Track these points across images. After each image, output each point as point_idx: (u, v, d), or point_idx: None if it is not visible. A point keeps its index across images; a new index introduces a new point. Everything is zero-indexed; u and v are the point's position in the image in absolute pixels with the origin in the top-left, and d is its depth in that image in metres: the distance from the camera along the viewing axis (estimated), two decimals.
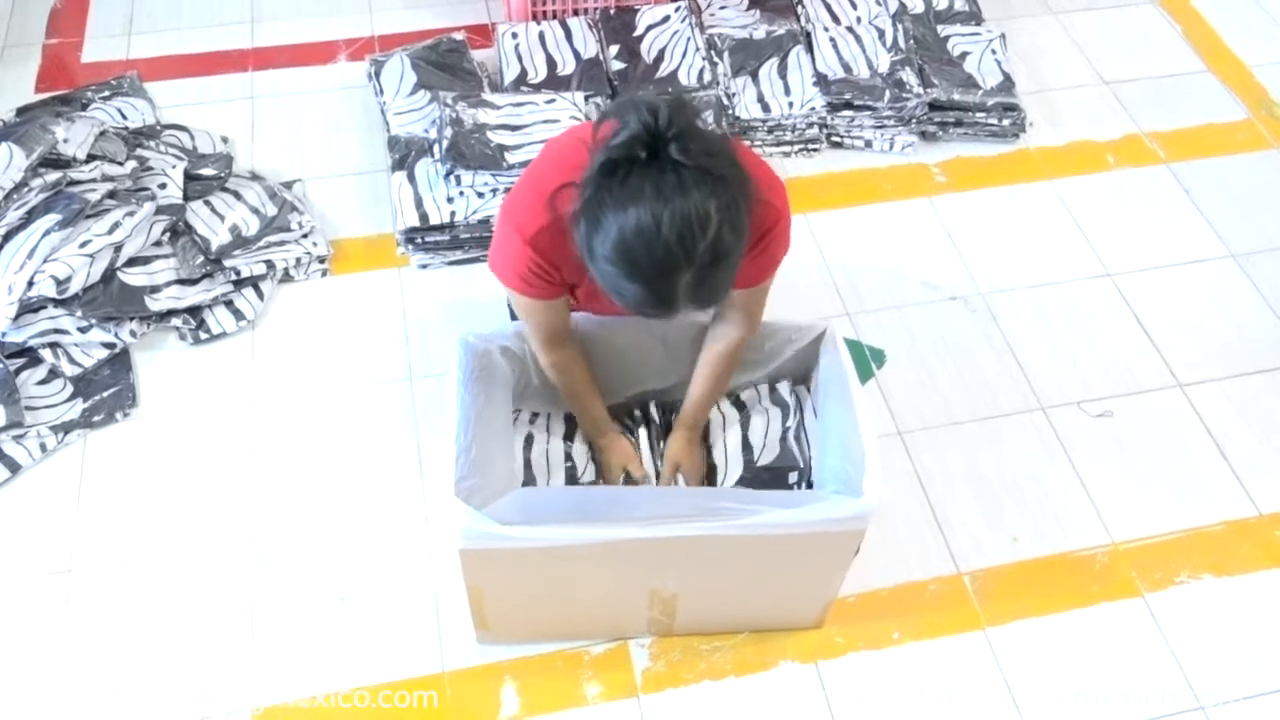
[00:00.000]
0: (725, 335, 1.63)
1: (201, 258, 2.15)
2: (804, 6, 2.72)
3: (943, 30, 2.66)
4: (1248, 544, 1.93)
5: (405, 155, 2.33)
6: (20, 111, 2.45)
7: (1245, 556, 1.91)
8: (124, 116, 2.48)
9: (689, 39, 2.59)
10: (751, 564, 1.56)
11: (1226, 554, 1.91)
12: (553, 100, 2.37)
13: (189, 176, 2.28)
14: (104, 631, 1.76)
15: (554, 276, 1.42)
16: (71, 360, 2.05)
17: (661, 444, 1.78)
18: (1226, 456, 2.04)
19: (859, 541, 1.58)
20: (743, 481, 1.73)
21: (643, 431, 1.80)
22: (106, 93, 2.54)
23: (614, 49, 2.58)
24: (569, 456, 1.76)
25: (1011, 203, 2.47)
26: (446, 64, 2.54)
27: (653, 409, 1.82)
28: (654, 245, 1.09)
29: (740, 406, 1.81)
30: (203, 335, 2.13)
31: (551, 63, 2.56)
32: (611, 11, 2.67)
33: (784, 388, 1.81)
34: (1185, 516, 1.96)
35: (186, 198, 2.24)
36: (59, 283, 1.99)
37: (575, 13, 2.70)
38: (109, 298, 2.05)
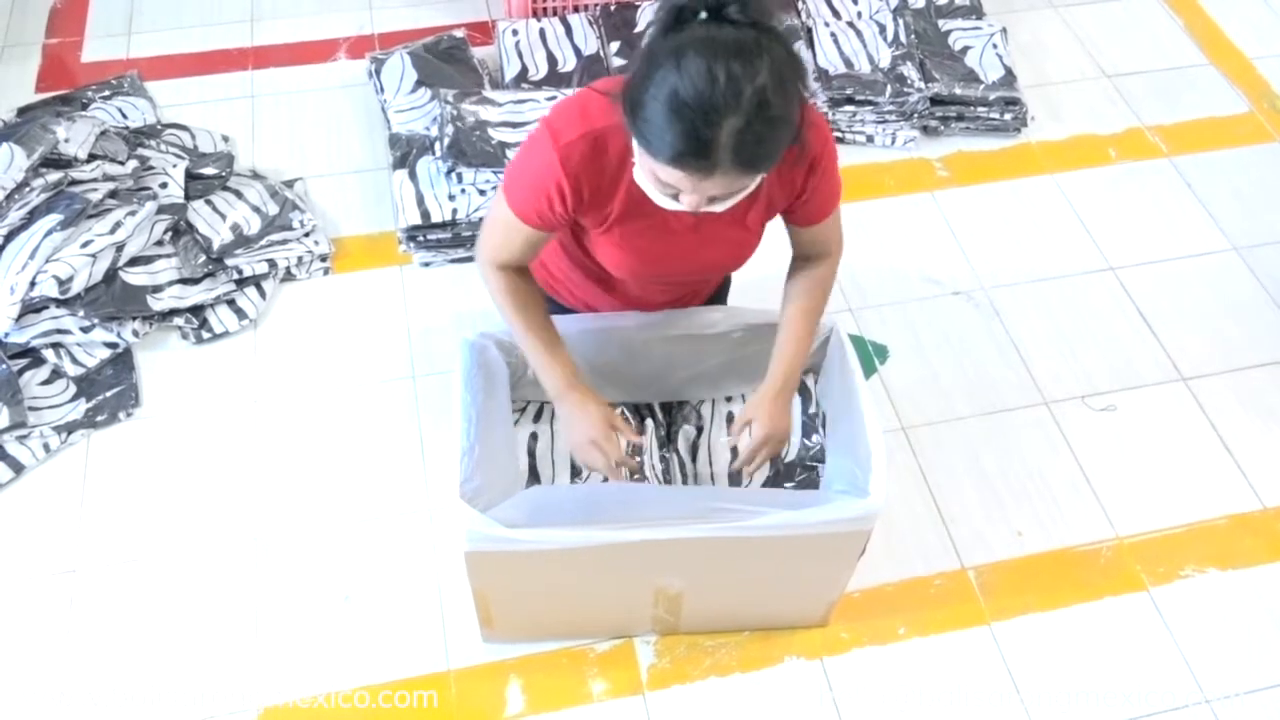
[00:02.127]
0: (816, 264, 1.54)
1: (203, 257, 2.15)
2: (805, 2, 2.71)
3: (944, 24, 2.66)
4: (1252, 537, 1.93)
5: (407, 153, 2.33)
6: (21, 111, 2.45)
7: (1250, 550, 1.91)
8: (125, 116, 2.47)
9: None
10: (757, 564, 1.56)
11: (1231, 547, 1.91)
12: (554, 97, 2.37)
13: (190, 176, 2.28)
14: (109, 632, 1.76)
15: (565, 203, 1.36)
16: (74, 360, 2.04)
17: (665, 448, 1.77)
18: (1230, 450, 2.04)
19: (865, 542, 1.58)
20: (770, 481, 1.71)
21: (650, 423, 1.78)
22: (107, 92, 2.53)
23: (615, 45, 2.58)
24: None
25: (1014, 197, 2.47)
26: (447, 61, 2.54)
27: (657, 409, 1.81)
28: (701, 85, 1.11)
29: None
30: (205, 335, 2.13)
31: (552, 59, 2.56)
32: (612, 8, 2.67)
33: (808, 379, 1.80)
34: (1189, 510, 1.96)
35: (188, 197, 2.24)
36: (61, 283, 1.99)
37: (576, 9, 2.70)
38: (111, 297, 2.05)
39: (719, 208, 1.29)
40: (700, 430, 1.77)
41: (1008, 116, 2.53)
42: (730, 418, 1.80)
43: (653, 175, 1.25)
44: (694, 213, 1.29)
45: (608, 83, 1.35)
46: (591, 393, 1.50)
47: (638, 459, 1.66)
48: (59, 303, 2.02)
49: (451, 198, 2.24)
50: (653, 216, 1.39)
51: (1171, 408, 2.10)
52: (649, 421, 1.77)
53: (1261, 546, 1.92)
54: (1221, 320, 2.25)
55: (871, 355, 2.15)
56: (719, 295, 1.82)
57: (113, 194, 2.15)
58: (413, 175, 2.28)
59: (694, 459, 1.75)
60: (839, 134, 2.52)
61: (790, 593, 1.70)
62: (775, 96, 1.14)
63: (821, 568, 1.63)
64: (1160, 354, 2.19)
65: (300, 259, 2.23)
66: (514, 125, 2.30)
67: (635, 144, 1.24)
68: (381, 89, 2.51)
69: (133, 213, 2.10)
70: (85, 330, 2.04)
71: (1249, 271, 2.34)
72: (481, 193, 2.24)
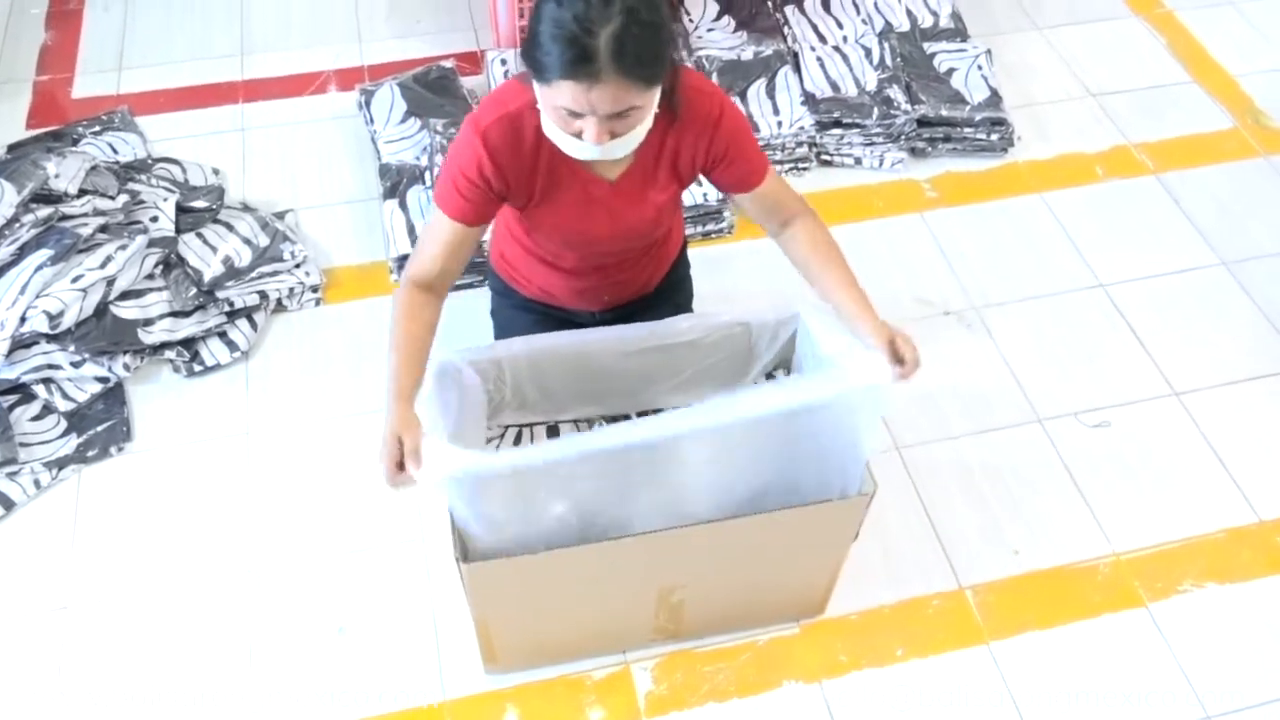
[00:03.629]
0: (797, 228, 1.60)
1: (194, 290, 2.15)
2: (790, 27, 2.74)
3: (929, 47, 2.68)
4: (1249, 550, 1.92)
5: (397, 183, 2.34)
6: (11, 148, 2.46)
7: (1247, 563, 1.91)
8: (115, 151, 2.48)
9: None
10: (758, 541, 1.56)
11: (1228, 561, 1.91)
12: None
13: (181, 209, 2.29)
14: (101, 668, 1.74)
15: (489, 181, 1.46)
16: (65, 395, 2.04)
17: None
18: (1225, 463, 2.04)
19: (861, 516, 1.57)
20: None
21: None
22: (97, 128, 2.54)
23: None
24: None
25: (1003, 216, 2.48)
26: (436, 92, 2.55)
27: (635, 419, 1.81)
28: (578, 5, 1.26)
29: None
30: (197, 367, 2.13)
31: None
32: None
33: (779, 374, 1.80)
34: (1186, 525, 1.96)
35: (178, 230, 2.24)
36: (51, 318, 1.99)
37: None
38: (102, 332, 2.05)
39: (621, 148, 1.39)
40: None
41: (994, 137, 2.54)
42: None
43: (554, 110, 1.35)
44: (600, 147, 1.37)
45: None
46: (405, 408, 1.40)
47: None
48: (49, 338, 2.02)
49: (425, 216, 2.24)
50: (573, 188, 1.52)
51: (1165, 423, 2.10)
52: None
53: (1259, 559, 1.91)
54: (1212, 334, 2.26)
55: None
56: (679, 299, 1.88)
57: (103, 228, 2.16)
58: (403, 205, 2.29)
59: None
60: (827, 157, 2.54)
61: (787, 578, 1.69)
62: (643, 5, 1.29)
63: (819, 544, 1.63)
64: (1152, 369, 2.19)
65: (291, 290, 2.23)
66: None
67: (536, 87, 1.35)
68: (371, 120, 2.52)
69: (123, 247, 2.10)
70: (76, 365, 2.03)
71: (1238, 285, 2.35)
72: None
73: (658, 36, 1.32)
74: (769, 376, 1.81)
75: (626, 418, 1.81)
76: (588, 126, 1.35)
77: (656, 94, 1.39)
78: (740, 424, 1.40)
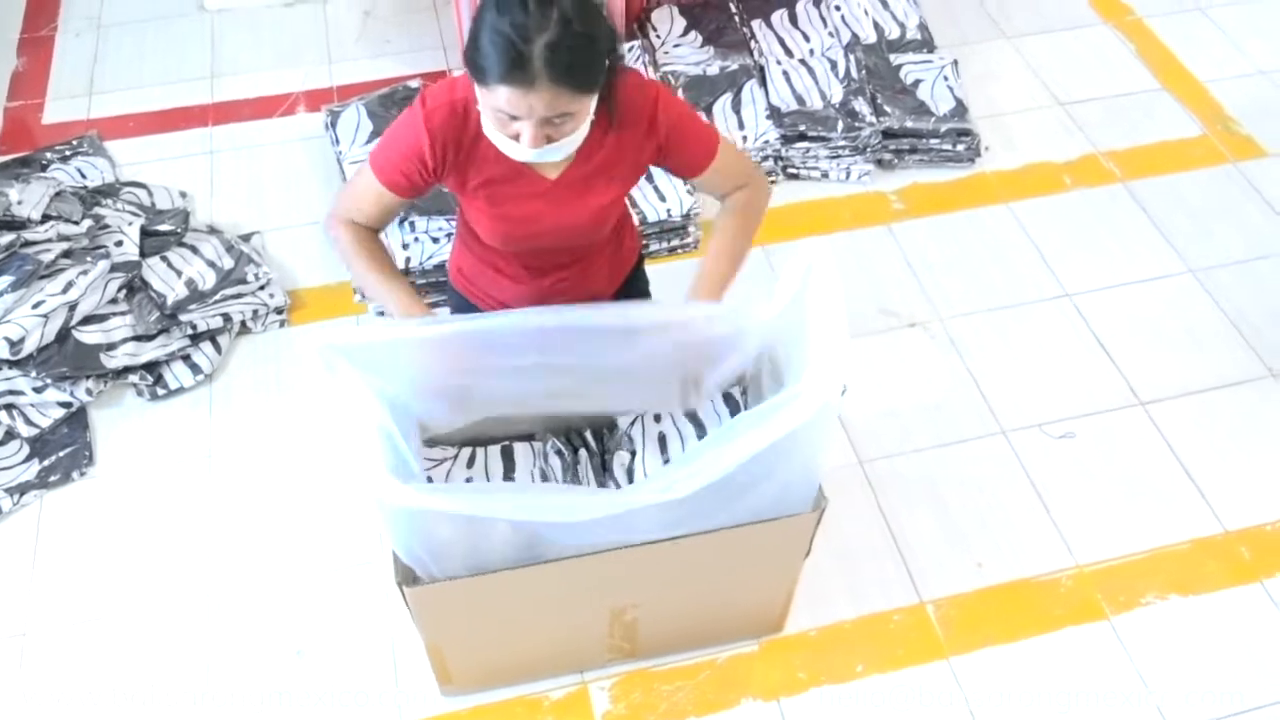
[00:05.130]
0: (736, 195, 1.64)
1: (157, 313, 2.15)
2: (757, 41, 2.74)
3: (895, 59, 2.68)
4: (1214, 561, 1.91)
5: None
6: None
7: (1212, 575, 1.89)
8: (83, 176, 2.49)
9: None
10: (711, 560, 1.55)
11: (1193, 573, 1.90)
12: None
13: (146, 233, 2.29)
14: (60, 694, 1.74)
15: (426, 167, 1.50)
16: (28, 421, 2.04)
17: (601, 475, 1.75)
18: (1190, 474, 2.03)
19: (813, 532, 1.56)
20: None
21: (583, 453, 1.78)
22: (66, 153, 2.55)
23: None
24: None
25: (970, 227, 2.48)
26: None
27: (589, 436, 1.80)
28: (515, 12, 1.30)
29: (698, 424, 1.80)
30: (160, 391, 2.13)
31: None
32: None
33: (735, 391, 1.79)
34: (1150, 536, 1.95)
35: (143, 254, 2.25)
36: (12, 344, 1.99)
37: None
38: (64, 357, 2.05)
39: (557, 152, 1.42)
40: (634, 455, 1.76)
41: (960, 148, 2.54)
42: (661, 439, 1.79)
43: (493, 112, 1.38)
44: (536, 150, 1.39)
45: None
46: (420, 308, 1.57)
47: None
48: (11, 364, 2.02)
49: (405, 246, 2.25)
50: (514, 182, 1.53)
51: (1130, 433, 2.09)
52: (582, 452, 1.77)
53: (1223, 570, 1.90)
54: (1178, 343, 2.25)
55: None
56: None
57: (67, 254, 2.16)
58: None
59: (631, 483, 1.74)
60: (794, 170, 2.54)
61: (743, 593, 1.68)
62: (578, 18, 1.32)
63: (772, 559, 1.62)
64: (1118, 379, 2.18)
65: (256, 312, 2.23)
66: None
67: (477, 90, 1.38)
68: (337, 140, 2.52)
69: (85, 272, 2.11)
70: (38, 390, 2.04)
71: (1205, 293, 2.34)
72: (435, 240, 2.25)
73: (592, 46, 1.36)
74: (726, 398, 1.80)
75: (581, 436, 1.80)
76: (524, 130, 1.39)
77: (593, 100, 1.42)
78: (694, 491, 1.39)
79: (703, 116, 1.66)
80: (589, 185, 1.57)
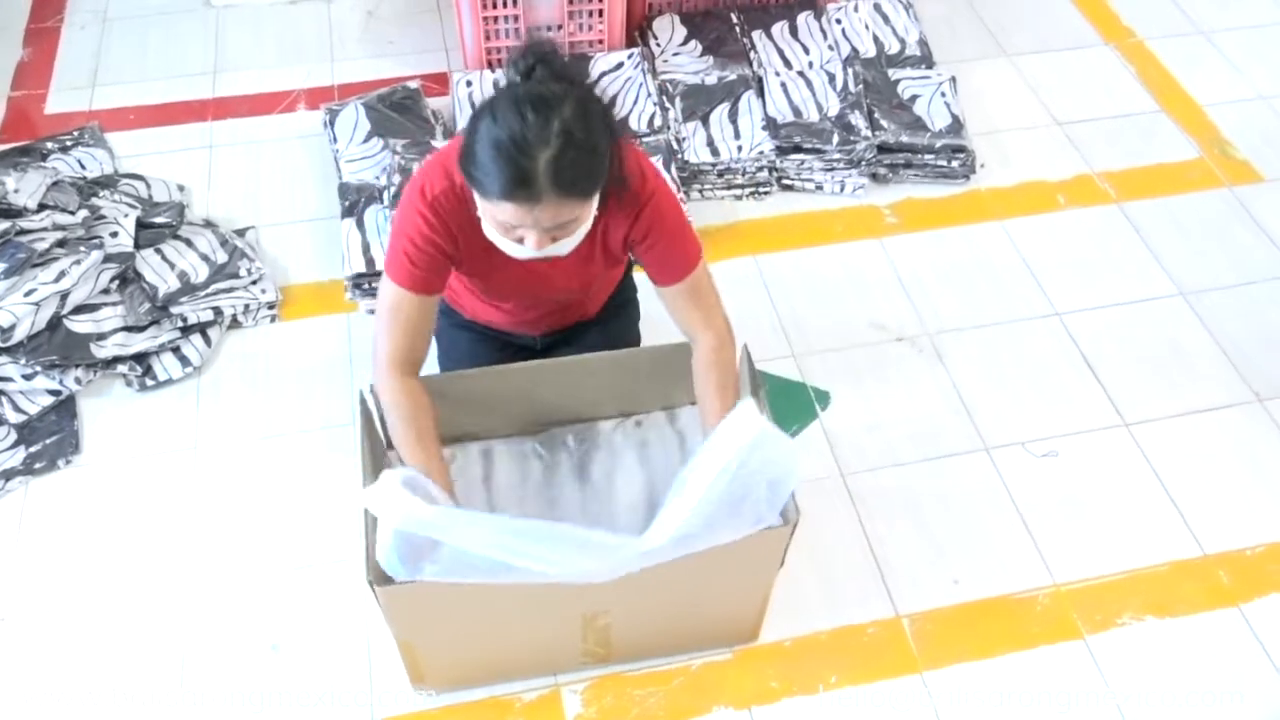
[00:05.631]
0: (698, 348, 1.61)
1: (148, 305, 2.17)
2: (757, 52, 2.75)
3: (894, 74, 2.69)
4: (1191, 584, 1.91)
5: (355, 202, 2.35)
6: None
7: (1189, 597, 1.89)
8: (83, 166, 2.51)
9: (641, 85, 2.62)
10: (683, 572, 1.51)
11: (1170, 595, 1.89)
12: None
13: (141, 225, 2.31)
14: (37, 680, 1.75)
15: (443, 249, 1.48)
16: (16, 408, 2.05)
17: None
18: (1171, 496, 2.03)
19: (786, 544, 1.56)
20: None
21: (563, 455, 1.78)
22: (67, 143, 2.57)
23: None
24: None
25: (962, 243, 2.48)
26: (400, 112, 2.57)
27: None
28: (514, 126, 1.28)
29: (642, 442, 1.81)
30: (149, 382, 2.14)
31: None
32: (565, 59, 2.70)
33: (685, 413, 1.80)
34: (1129, 557, 1.95)
35: (138, 246, 2.26)
36: (3, 331, 2.01)
37: None
38: (54, 345, 2.07)
39: (563, 248, 1.42)
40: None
41: (955, 164, 2.55)
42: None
43: (495, 221, 1.38)
44: (540, 250, 1.39)
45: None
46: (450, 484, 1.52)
47: None
48: (1, 350, 2.04)
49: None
50: (512, 264, 1.53)
51: (1113, 453, 2.10)
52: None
53: (1201, 593, 1.90)
54: (1165, 365, 2.25)
55: (813, 401, 2.15)
56: (622, 322, 1.89)
57: (61, 243, 2.18)
58: (360, 224, 2.30)
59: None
60: (788, 181, 2.55)
61: (714, 605, 1.68)
62: (579, 128, 1.29)
63: (744, 570, 1.61)
64: (1103, 399, 2.18)
65: (247, 306, 2.25)
66: None
67: (476, 196, 1.37)
68: (335, 139, 2.54)
69: (78, 261, 2.12)
70: (28, 378, 2.05)
71: (1195, 317, 2.34)
72: None
73: (594, 155, 1.33)
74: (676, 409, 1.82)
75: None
76: (528, 236, 1.37)
77: (596, 198, 1.40)
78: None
79: (694, 229, 1.62)
80: (585, 261, 1.58)
